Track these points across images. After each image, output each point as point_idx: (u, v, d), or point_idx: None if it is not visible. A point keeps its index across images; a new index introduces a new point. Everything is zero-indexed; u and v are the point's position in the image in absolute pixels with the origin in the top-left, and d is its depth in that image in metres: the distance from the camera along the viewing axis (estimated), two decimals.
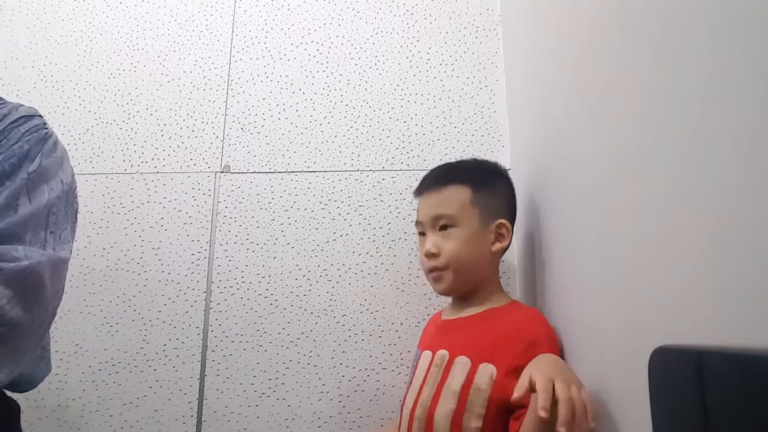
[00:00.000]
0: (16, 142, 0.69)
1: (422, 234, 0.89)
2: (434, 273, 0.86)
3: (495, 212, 0.86)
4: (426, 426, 0.77)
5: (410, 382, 0.87)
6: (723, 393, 0.26)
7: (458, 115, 1.24)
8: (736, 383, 0.25)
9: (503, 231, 0.86)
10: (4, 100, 0.76)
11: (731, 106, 0.36)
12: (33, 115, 0.74)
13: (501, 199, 0.88)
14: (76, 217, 0.77)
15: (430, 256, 0.86)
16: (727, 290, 0.36)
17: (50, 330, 1.09)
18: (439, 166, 0.95)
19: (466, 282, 0.86)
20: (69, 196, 0.74)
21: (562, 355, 0.74)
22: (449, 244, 0.84)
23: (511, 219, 0.89)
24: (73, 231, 0.75)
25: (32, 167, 0.69)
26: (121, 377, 1.12)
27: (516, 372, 0.70)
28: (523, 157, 1.06)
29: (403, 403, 0.85)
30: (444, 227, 0.85)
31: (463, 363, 0.78)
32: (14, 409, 0.75)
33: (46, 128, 0.74)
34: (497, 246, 0.85)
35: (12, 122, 0.71)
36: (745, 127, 0.34)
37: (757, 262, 0.33)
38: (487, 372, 0.74)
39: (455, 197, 0.86)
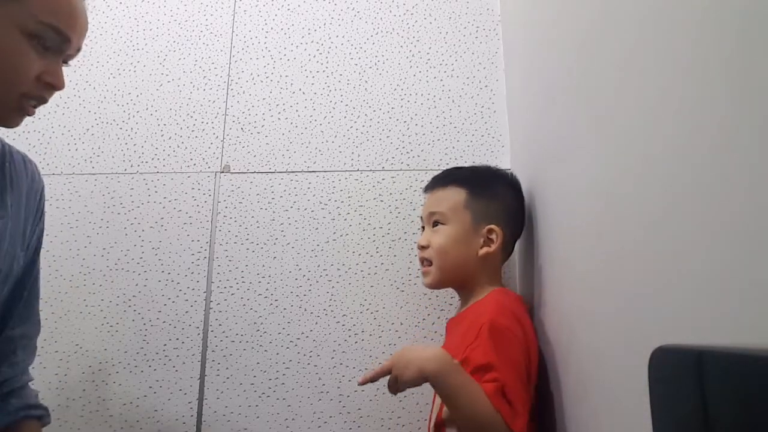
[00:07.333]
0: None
1: (422, 228, 0.98)
2: (423, 266, 0.95)
3: (488, 217, 0.90)
4: None
5: None
6: (723, 393, 0.26)
7: (458, 115, 1.23)
8: (736, 383, 0.25)
9: (492, 236, 0.90)
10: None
11: (733, 105, 0.36)
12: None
13: (498, 206, 0.92)
14: None
15: (421, 248, 0.95)
16: (727, 290, 0.36)
17: (50, 330, 1.14)
18: (451, 168, 1.02)
19: (450, 278, 0.93)
20: None
21: (562, 349, 0.75)
22: (437, 239, 0.92)
23: (509, 225, 0.92)
24: None
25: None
26: (121, 377, 1.12)
27: (465, 362, 0.74)
28: (523, 157, 1.06)
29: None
30: (436, 223, 0.93)
31: None
32: None
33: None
34: (484, 250, 0.89)
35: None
36: (747, 127, 0.34)
37: (757, 262, 0.33)
38: None
39: (451, 197, 0.93)
